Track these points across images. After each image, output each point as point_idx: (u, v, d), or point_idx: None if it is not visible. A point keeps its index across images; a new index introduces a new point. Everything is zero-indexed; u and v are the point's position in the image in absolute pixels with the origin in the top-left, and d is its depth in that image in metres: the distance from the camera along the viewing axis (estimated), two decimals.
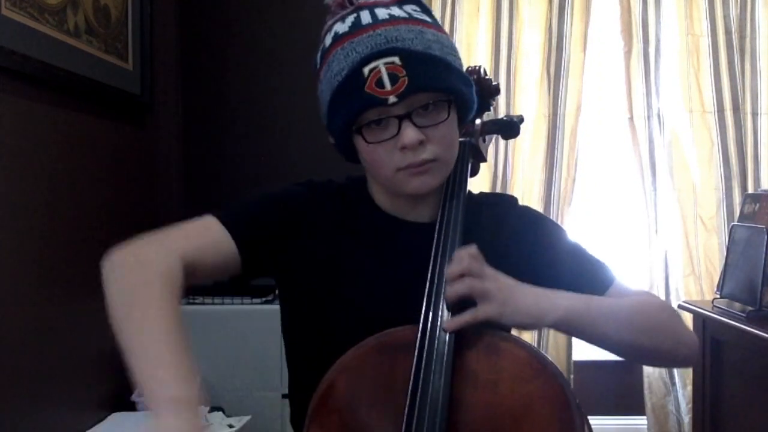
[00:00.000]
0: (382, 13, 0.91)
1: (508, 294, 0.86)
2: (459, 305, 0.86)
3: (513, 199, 1.11)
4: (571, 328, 0.92)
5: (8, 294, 1.48)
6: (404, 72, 0.87)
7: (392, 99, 0.87)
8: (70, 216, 1.74)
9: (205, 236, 0.92)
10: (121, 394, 1.96)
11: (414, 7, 0.94)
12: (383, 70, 0.87)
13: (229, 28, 2.56)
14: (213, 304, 2.14)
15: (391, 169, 0.92)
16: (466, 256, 0.87)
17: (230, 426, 1.83)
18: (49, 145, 1.66)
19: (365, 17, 0.91)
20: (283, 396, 2.08)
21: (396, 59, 0.87)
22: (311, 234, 0.98)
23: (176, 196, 2.51)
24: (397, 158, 0.90)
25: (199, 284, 0.96)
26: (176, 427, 0.72)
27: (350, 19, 0.92)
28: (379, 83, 0.87)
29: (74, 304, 1.75)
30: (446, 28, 2.50)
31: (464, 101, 0.95)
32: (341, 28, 0.92)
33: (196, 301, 2.14)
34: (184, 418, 0.73)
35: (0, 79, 1.46)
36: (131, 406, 1.93)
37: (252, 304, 2.14)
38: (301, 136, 2.50)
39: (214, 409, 1.90)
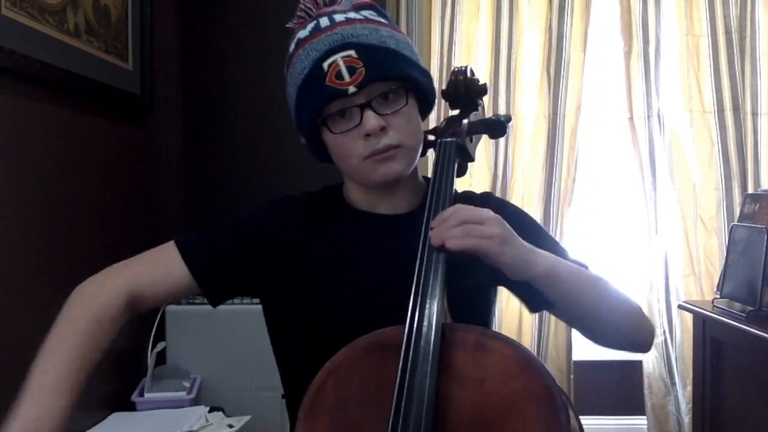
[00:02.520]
0: (339, 17, 0.98)
1: (509, 235, 0.91)
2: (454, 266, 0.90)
3: (489, 194, 1.17)
4: (552, 285, 0.95)
5: (8, 293, 1.48)
6: (361, 63, 0.94)
7: (352, 89, 0.94)
8: (69, 216, 1.74)
9: (158, 265, 1.02)
10: (121, 394, 1.96)
11: (370, 12, 1.01)
12: (341, 63, 0.94)
13: (229, 29, 2.56)
14: None
15: (357, 158, 0.97)
16: (459, 209, 0.91)
17: (230, 426, 1.83)
18: (49, 145, 1.66)
19: (324, 22, 0.98)
20: (283, 396, 2.08)
21: (352, 52, 0.94)
22: (284, 247, 1.02)
23: (176, 196, 2.51)
24: (362, 147, 0.96)
25: (153, 308, 1.07)
26: None
27: (311, 25, 1.00)
28: (339, 76, 0.94)
29: None
30: (446, 28, 2.51)
31: (422, 90, 1.01)
32: (303, 33, 1.00)
33: (197, 301, 2.14)
34: None
35: (0, 79, 1.46)
36: (131, 406, 1.93)
37: (252, 304, 2.12)
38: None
39: (214, 409, 1.90)
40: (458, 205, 0.92)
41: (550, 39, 2.51)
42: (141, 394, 1.95)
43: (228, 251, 1.03)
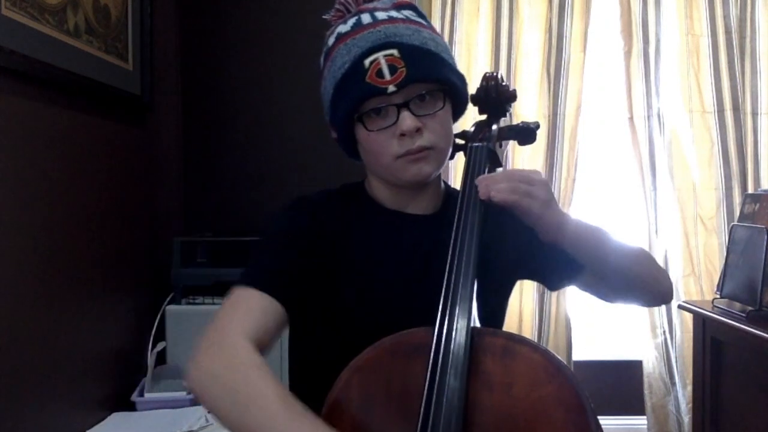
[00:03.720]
0: (381, 15, 0.98)
1: (551, 200, 0.95)
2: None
3: None
4: (579, 244, 0.99)
5: (8, 293, 1.48)
6: (402, 63, 0.94)
7: (391, 88, 0.94)
8: (70, 216, 1.74)
9: (254, 311, 0.92)
10: (121, 394, 1.96)
11: (411, 12, 1.02)
12: (383, 61, 0.94)
13: (229, 28, 2.56)
14: (213, 304, 2.13)
15: (390, 157, 0.97)
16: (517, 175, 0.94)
17: None
18: (49, 145, 1.66)
19: (366, 18, 0.98)
20: None
21: (395, 52, 0.95)
22: (323, 249, 1.00)
23: (176, 196, 2.51)
24: (396, 146, 0.96)
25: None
26: None
27: (352, 20, 0.99)
28: (379, 74, 0.94)
29: (74, 304, 1.75)
30: (446, 28, 2.51)
31: (458, 95, 1.02)
32: (343, 28, 1.00)
33: (196, 301, 2.14)
34: None
35: (0, 79, 1.46)
36: (131, 406, 1.93)
37: None
38: (301, 136, 2.50)
39: None
40: (510, 169, 0.94)
41: (550, 39, 2.51)
42: (141, 394, 1.95)
43: (298, 271, 0.97)
